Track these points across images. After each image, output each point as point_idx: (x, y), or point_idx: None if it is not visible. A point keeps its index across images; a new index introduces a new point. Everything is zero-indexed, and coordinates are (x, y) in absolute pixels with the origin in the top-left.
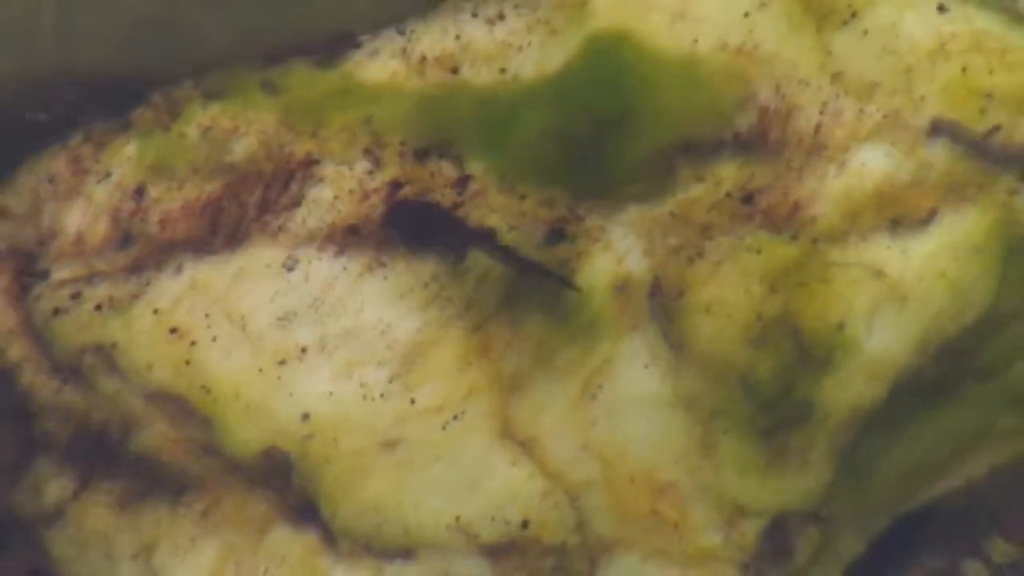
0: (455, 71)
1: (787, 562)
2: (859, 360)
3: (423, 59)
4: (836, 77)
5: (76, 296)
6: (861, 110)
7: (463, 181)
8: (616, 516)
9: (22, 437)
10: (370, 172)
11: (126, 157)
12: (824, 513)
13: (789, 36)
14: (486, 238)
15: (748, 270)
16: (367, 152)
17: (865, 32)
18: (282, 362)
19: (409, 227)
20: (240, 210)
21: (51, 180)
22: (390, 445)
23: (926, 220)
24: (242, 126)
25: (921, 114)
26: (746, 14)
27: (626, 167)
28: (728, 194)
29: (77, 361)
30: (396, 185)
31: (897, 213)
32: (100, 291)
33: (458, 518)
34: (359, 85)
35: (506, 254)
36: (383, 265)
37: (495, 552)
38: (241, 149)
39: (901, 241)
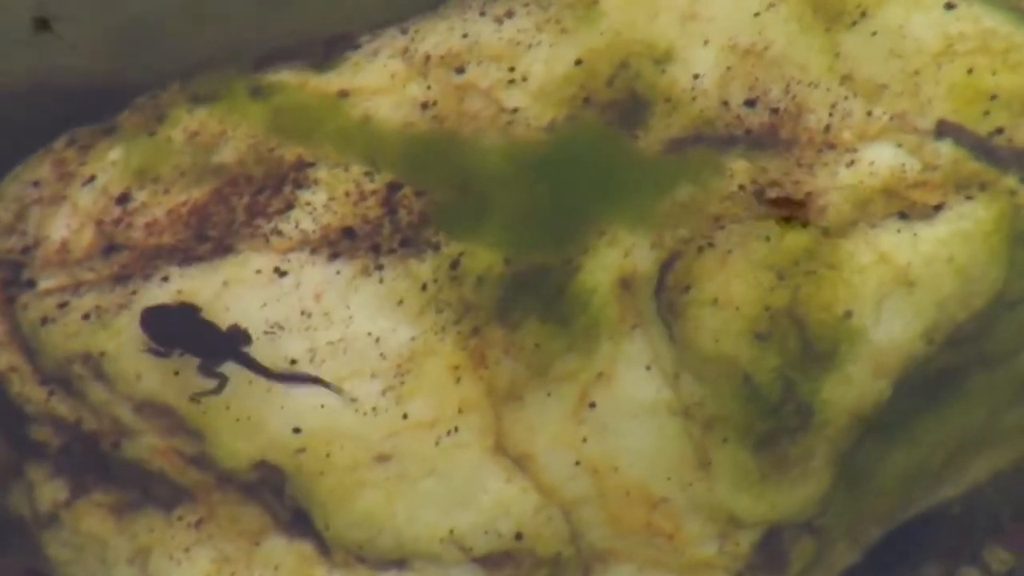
0: (460, 71)
1: (781, 572)
2: (865, 351)
3: (427, 59)
4: (845, 79)
5: (63, 305)
6: (869, 112)
7: (465, 182)
8: (611, 529)
9: (16, 439)
10: (367, 173)
11: (111, 161)
12: (819, 523)
13: (799, 37)
14: (240, 353)
15: (758, 259)
16: (364, 156)
17: (874, 33)
18: None
19: (162, 331)
20: (229, 214)
21: (36, 184)
22: (383, 459)
23: (934, 211)
24: (229, 130)
25: (927, 116)
26: (756, 14)
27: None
28: (741, 186)
29: (66, 370)
30: (395, 186)
31: (905, 207)
32: (87, 300)
33: (451, 531)
34: (357, 88)
35: (260, 371)
36: (379, 268)
37: (489, 562)
38: (229, 153)
39: (910, 228)
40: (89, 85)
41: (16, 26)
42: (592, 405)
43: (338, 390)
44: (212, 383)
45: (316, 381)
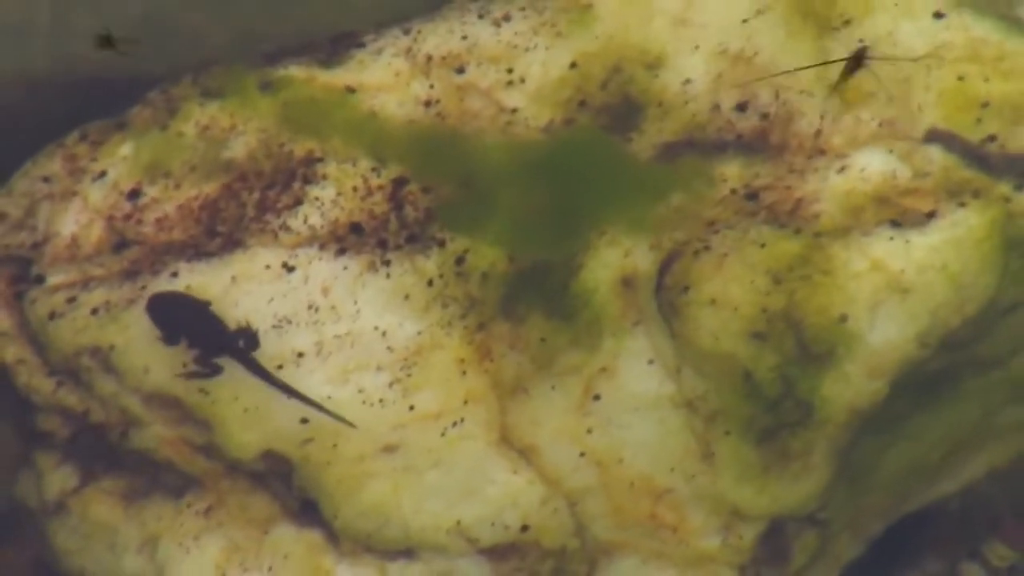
0: (461, 71)
1: (784, 565)
2: (861, 354)
3: (428, 59)
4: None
5: (71, 300)
6: (859, 118)
7: (469, 179)
8: (615, 521)
9: (24, 430)
10: (374, 169)
11: (122, 156)
12: (821, 516)
13: (787, 43)
14: (239, 351)
15: (753, 263)
16: (371, 148)
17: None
18: (280, 367)
19: (167, 319)
20: (239, 210)
21: (47, 179)
22: (389, 450)
23: (926, 218)
24: (240, 124)
25: (918, 124)
26: (744, 20)
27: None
28: (733, 190)
29: (74, 363)
30: (401, 181)
31: (897, 213)
32: (96, 296)
33: (458, 522)
34: (363, 84)
35: (257, 371)
36: (386, 264)
37: (495, 554)
38: (240, 147)
39: (903, 235)
40: (103, 78)
41: (36, 19)
42: (596, 398)
43: (330, 413)
44: (205, 370)
45: (311, 403)
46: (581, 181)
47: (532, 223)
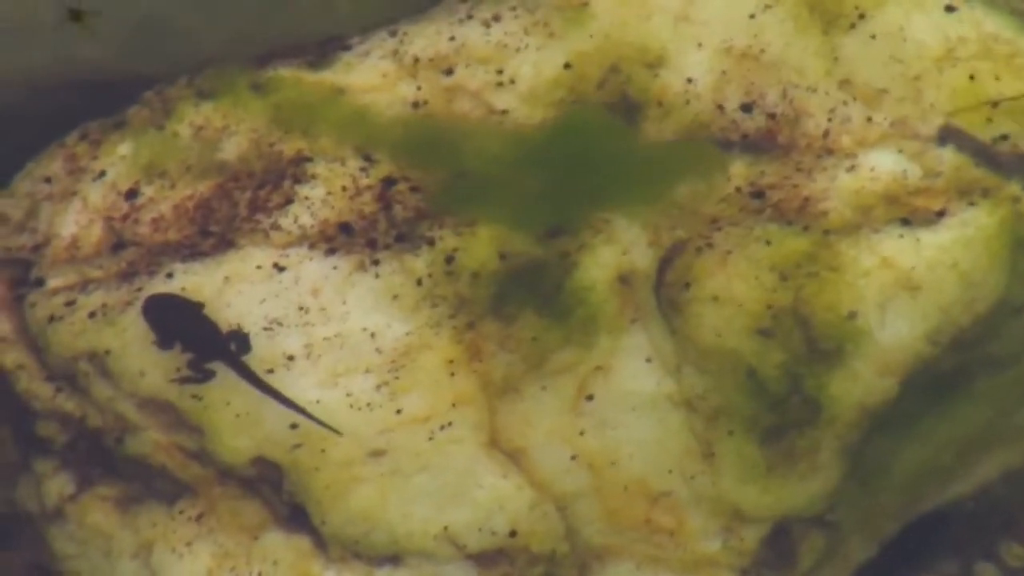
0: (449, 72)
1: (790, 567)
2: (871, 351)
3: (416, 60)
4: (843, 83)
5: (70, 303)
6: (869, 118)
7: (461, 174)
8: (609, 525)
9: (23, 435)
10: (363, 169)
11: (120, 156)
12: (830, 517)
13: (796, 39)
14: (229, 355)
15: (758, 260)
16: (359, 149)
17: (873, 36)
18: (270, 370)
19: (162, 322)
20: (231, 209)
21: (48, 180)
22: (377, 455)
23: (937, 217)
24: (232, 125)
25: (929, 122)
26: (752, 16)
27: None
28: (738, 188)
29: (71, 368)
30: (390, 181)
31: (907, 212)
32: (94, 298)
33: (445, 528)
34: (350, 86)
35: (247, 376)
36: (375, 263)
37: (483, 559)
38: (232, 147)
39: (913, 233)
40: (103, 79)
41: (37, 19)
42: (590, 398)
43: (317, 420)
44: (198, 375)
45: (299, 410)
46: (583, 160)
47: (531, 206)
